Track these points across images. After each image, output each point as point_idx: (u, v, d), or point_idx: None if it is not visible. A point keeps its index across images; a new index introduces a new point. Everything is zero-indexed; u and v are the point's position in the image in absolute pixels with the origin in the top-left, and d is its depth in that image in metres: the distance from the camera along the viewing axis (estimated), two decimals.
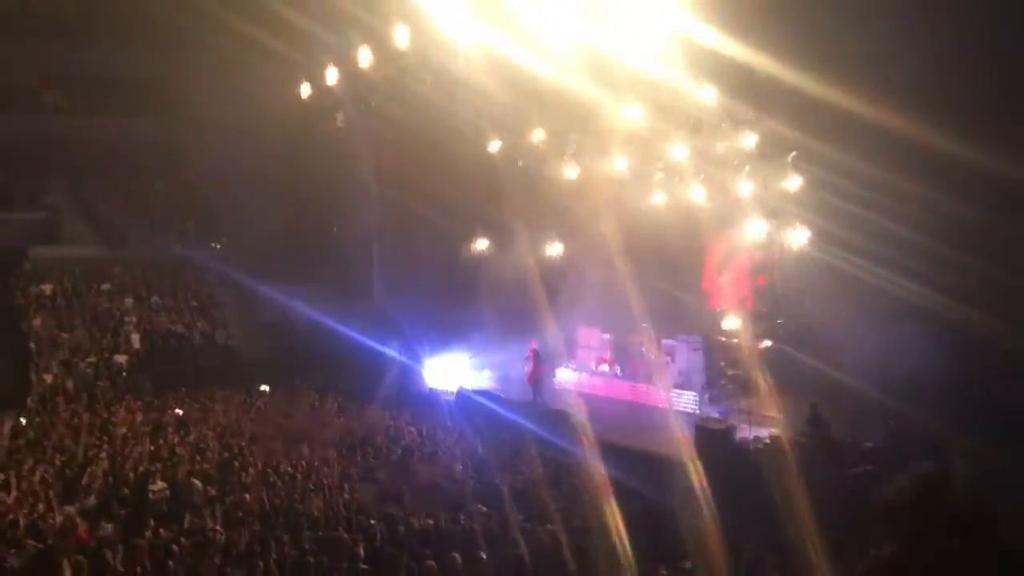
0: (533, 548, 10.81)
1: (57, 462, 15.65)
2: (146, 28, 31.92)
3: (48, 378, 24.17)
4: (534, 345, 23.00)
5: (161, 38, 31.90)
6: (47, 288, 28.04)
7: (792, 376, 18.24)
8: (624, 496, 12.54)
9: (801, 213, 19.24)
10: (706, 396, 20.88)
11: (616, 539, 10.54)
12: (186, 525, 12.50)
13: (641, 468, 15.93)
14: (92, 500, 13.66)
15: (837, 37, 14.39)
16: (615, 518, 11.33)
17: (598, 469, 13.87)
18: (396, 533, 11.66)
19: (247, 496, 13.54)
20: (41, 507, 12.82)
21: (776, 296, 20.19)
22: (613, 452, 16.07)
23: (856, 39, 14.46)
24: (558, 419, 19.48)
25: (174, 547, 11.20)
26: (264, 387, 24.90)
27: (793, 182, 18.82)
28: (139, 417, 19.97)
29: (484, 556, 10.66)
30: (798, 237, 19.44)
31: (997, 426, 13.31)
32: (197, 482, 14.24)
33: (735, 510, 11.67)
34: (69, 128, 34.01)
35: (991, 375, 14.63)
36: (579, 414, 17.92)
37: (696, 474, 13.16)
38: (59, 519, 12.21)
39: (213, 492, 13.93)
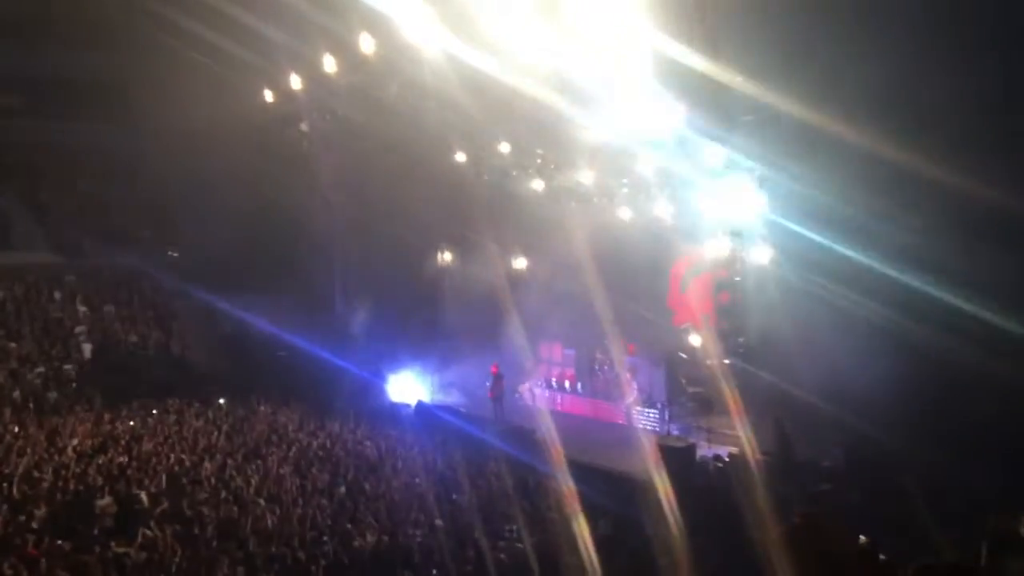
0: (493, 564, 10.64)
1: (2, 475, 15.14)
2: (105, 31, 31.38)
3: None
4: (495, 366, 22.91)
5: (120, 42, 31.36)
6: None
7: (752, 394, 18.27)
8: (588, 512, 12.42)
9: (764, 231, 19.33)
10: (667, 413, 20.86)
11: (582, 555, 10.41)
12: (139, 540, 12.13)
13: (603, 484, 15.84)
14: (39, 514, 13.23)
15: (804, 54, 14.49)
16: (580, 534, 11.20)
17: (562, 484, 13.73)
18: (352, 549, 11.42)
19: (200, 511, 13.18)
20: None
21: (737, 314, 20.24)
22: (574, 469, 15.93)
23: (824, 56, 14.57)
24: (520, 435, 19.33)
25: (126, 562, 10.89)
26: (221, 400, 24.41)
27: (757, 199, 18.91)
28: (88, 429, 19.44)
29: (443, 574, 10.48)
30: (760, 255, 19.53)
31: (952, 444, 13.42)
32: (145, 497, 13.86)
33: (697, 528, 11.60)
34: (24, 131, 33.23)
35: (948, 394, 14.76)
36: (542, 430, 17.79)
37: (664, 491, 13.07)
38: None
39: (163, 507, 13.54)
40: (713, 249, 20.05)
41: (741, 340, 19.61)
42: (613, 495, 14.75)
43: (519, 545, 11.56)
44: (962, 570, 4.82)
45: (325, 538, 11.93)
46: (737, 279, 19.73)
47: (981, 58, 13.37)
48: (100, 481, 14.62)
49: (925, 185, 13.60)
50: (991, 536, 4.73)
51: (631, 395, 21.85)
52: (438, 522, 12.74)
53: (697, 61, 14.72)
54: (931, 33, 13.20)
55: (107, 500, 13.63)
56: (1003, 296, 13.79)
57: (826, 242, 16.71)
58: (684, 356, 21.67)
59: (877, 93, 13.92)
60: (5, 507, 13.31)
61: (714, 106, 16.36)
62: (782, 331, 17.87)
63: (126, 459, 16.43)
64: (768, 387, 18.01)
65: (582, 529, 11.33)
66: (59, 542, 11.78)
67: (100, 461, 16.38)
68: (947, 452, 13.14)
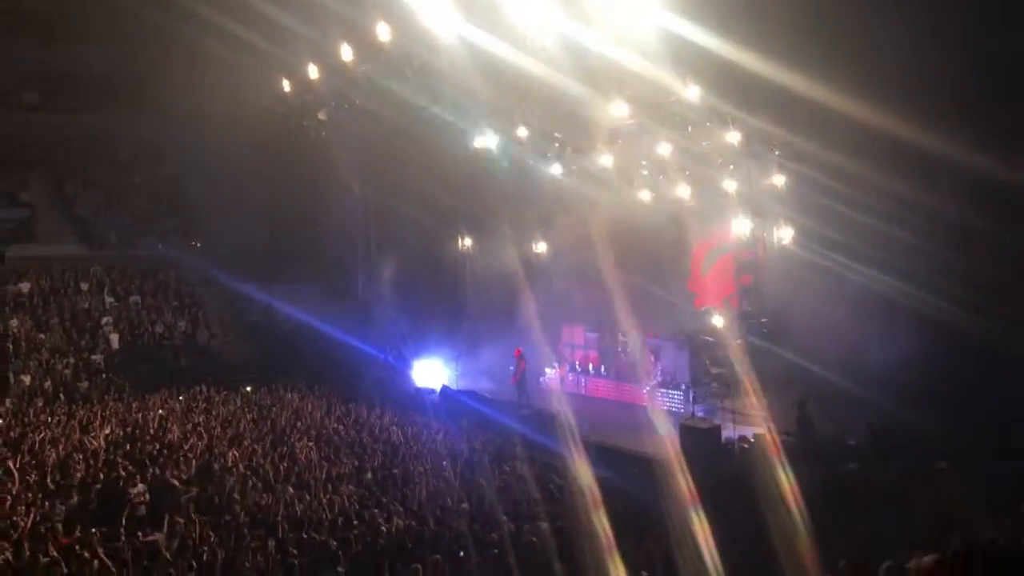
0: (518, 548, 10.72)
1: (35, 464, 15.42)
2: (122, 24, 31.50)
3: (26, 379, 23.87)
4: (518, 350, 22.95)
5: (138, 34, 31.49)
6: (24, 287, 27.69)
7: (776, 374, 18.24)
8: (611, 496, 12.48)
9: (785, 211, 19.24)
10: (691, 395, 20.86)
11: (603, 539, 10.46)
12: (165, 528, 12.34)
13: (627, 467, 15.90)
14: (72, 503, 13.49)
15: (822, 34, 14.36)
16: (602, 518, 11.25)
17: (584, 468, 13.79)
18: (379, 534, 11.55)
19: (230, 498, 13.37)
20: (20, 509, 12.59)
21: (760, 294, 20.18)
22: (598, 451, 16.01)
23: (841, 36, 14.44)
24: (544, 419, 19.40)
25: (159, 549, 11.08)
26: (247, 388, 24.72)
27: (777, 180, 18.81)
28: (119, 418, 19.73)
29: (469, 557, 10.57)
30: (782, 235, 19.45)
31: (979, 423, 13.35)
32: (179, 485, 14.07)
33: (721, 509, 11.62)
34: (46, 125, 33.60)
35: (973, 372, 14.67)
36: (565, 413, 17.84)
37: (683, 474, 13.09)
38: (31, 521, 11.99)
39: (194, 494, 13.75)
40: (735, 230, 19.97)
41: (764, 320, 19.56)
42: (638, 478, 14.81)
43: (543, 525, 11.63)
44: (1002, 548, 4.85)
45: (355, 523, 12.07)
46: (759, 260, 19.66)
47: (1001, 38, 13.21)
48: (132, 469, 14.84)
49: (946, 164, 13.49)
50: None
51: (653, 377, 21.84)
52: (464, 506, 12.85)
53: (716, 42, 14.60)
54: (953, 13, 13.03)
55: (139, 488, 13.84)
56: None
57: (848, 222, 16.60)
58: (708, 338, 21.63)
59: (898, 73, 13.77)
60: (39, 496, 13.56)
61: (734, 87, 16.23)
62: (805, 311, 17.81)
63: (156, 447, 16.67)
64: (792, 367, 17.97)
65: (602, 514, 11.39)
66: (92, 530, 12.01)
67: (131, 450, 16.64)
68: (971, 429, 13.08)
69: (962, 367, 14.64)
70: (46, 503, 13.18)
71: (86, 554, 10.67)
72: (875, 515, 11.72)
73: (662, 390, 21.75)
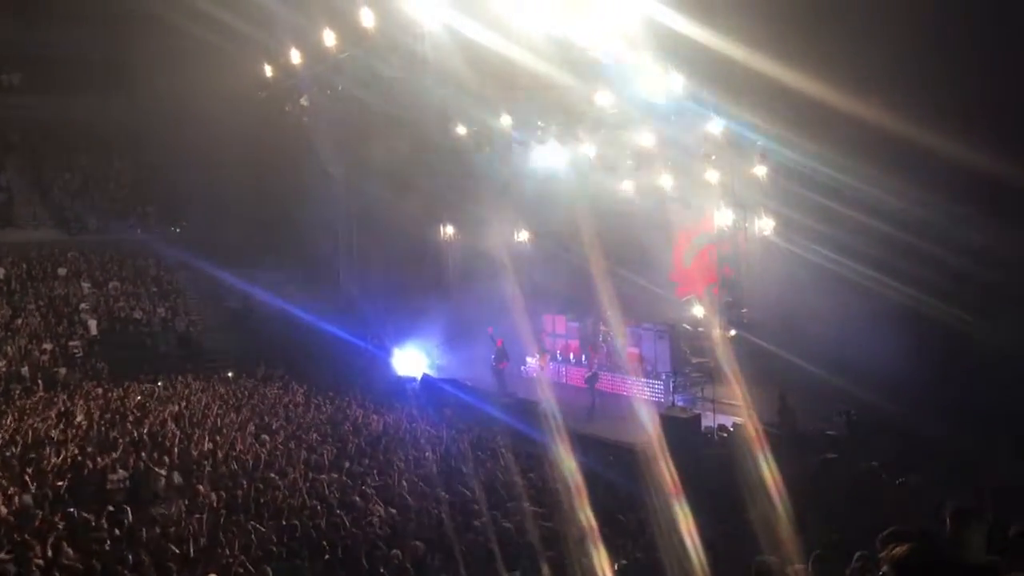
0: (500, 536, 10.75)
1: (13, 450, 15.31)
2: (104, 6, 31.18)
3: (2, 364, 23.65)
4: (499, 343, 22.95)
5: (119, 17, 31.20)
6: (0, 272, 27.39)
7: (756, 365, 18.32)
8: (591, 483, 12.53)
9: (767, 202, 19.30)
10: (671, 384, 20.93)
11: (584, 526, 10.51)
12: (150, 514, 12.28)
13: (607, 455, 15.97)
14: (49, 488, 13.39)
15: (807, 25, 14.41)
16: (583, 505, 11.30)
17: (566, 456, 13.83)
18: (360, 522, 11.55)
19: (210, 485, 13.33)
20: None
21: (741, 285, 20.27)
22: (579, 440, 16.05)
23: (827, 27, 14.49)
24: (525, 407, 19.44)
25: (139, 535, 11.04)
26: (230, 373, 24.64)
27: (759, 170, 18.86)
28: (97, 405, 19.61)
29: (450, 544, 10.59)
30: (763, 226, 19.52)
31: (956, 414, 13.49)
32: (159, 471, 14.00)
33: (700, 497, 11.69)
34: (25, 108, 33.22)
35: (951, 364, 14.81)
36: (546, 402, 17.87)
37: (664, 462, 13.15)
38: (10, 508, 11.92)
39: (174, 481, 13.69)
40: (717, 220, 20.02)
41: (744, 311, 19.64)
42: (618, 467, 14.87)
43: (524, 511, 11.66)
44: (928, 537, 4.96)
45: (339, 511, 12.05)
46: (740, 251, 19.73)
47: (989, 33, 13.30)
48: (111, 456, 14.76)
49: (927, 156, 13.57)
50: (954, 510, 4.87)
51: (591, 368, 21.95)
52: (444, 494, 12.86)
53: (700, 32, 14.62)
54: (944, 5, 13.11)
55: (119, 475, 13.78)
56: (1005, 265, 13.81)
57: (829, 213, 16.69)
58: (688, 327, 21.72)
59: (883, 64, 13.83)
60: (16, 485, 13.45)
61: (716, 77, 16.25)
62: (785, 302, 17.92)
63: (135, 435, 16.58)
64: (772, 358, 18.07)
65: (584, 502, 11.44)
66: (71, 512, 11.93)
67: (110, 437, 16.53)
68: (950, 420, 13.21)
69: (941, 359, 14.78)
70: (25, 490, 13.09)
71: (64, 540, 10.60)
72: (853, 504, 11.85)
73: (643, 379, 21.78)
